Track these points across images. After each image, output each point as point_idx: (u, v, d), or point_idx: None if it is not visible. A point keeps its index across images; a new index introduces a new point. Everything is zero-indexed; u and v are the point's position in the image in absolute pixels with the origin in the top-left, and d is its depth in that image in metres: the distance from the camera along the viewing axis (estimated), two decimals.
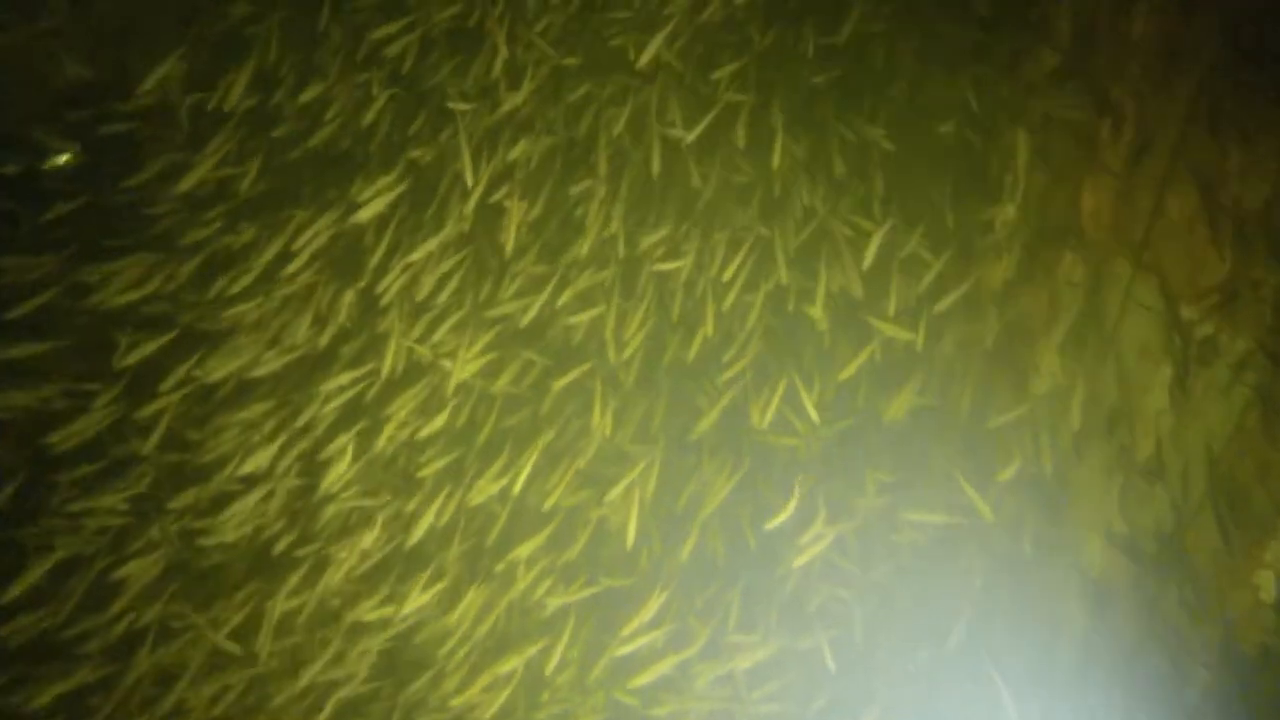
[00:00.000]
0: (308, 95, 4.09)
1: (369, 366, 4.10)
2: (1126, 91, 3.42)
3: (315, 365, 4.13)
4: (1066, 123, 3.63)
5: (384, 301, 4.04)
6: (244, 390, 4.17)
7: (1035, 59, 3.71)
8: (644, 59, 3.58)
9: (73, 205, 4.16)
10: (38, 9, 4.06)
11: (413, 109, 4.14)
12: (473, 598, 4.01)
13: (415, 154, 4.01)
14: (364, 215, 3.96)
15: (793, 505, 3.65)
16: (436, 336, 3.97)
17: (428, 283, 3.99)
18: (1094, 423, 3.63)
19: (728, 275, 3.68)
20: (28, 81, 4.13)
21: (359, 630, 4.16)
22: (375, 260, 4.06)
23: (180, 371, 4.09)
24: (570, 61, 3.87)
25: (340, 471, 3.97)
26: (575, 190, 3.88)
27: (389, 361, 3.97)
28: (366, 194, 3.98)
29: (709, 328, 3.69)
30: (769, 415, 3.66)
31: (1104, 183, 3.55)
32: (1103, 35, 3.46)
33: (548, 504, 3.88)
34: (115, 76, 4.27)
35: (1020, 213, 3.86)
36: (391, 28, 4.02)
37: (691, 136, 3.63)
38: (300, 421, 4.05)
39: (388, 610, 4.04)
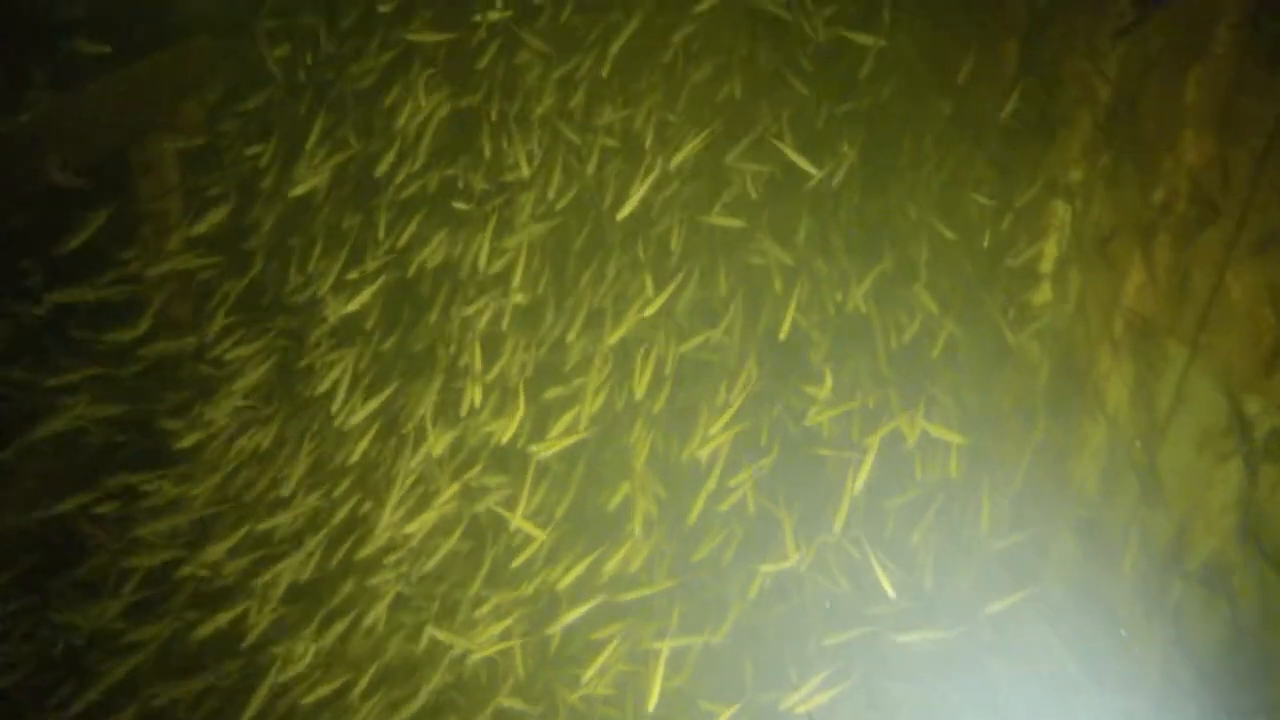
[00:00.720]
0: (300, 189, 3.90)
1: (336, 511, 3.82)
2: (1178, 163, 3.16)
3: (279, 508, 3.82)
4: (1109, 194, 3.38)
5: (360, 439, 3.75)
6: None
7: (1073, 126, 3.46)
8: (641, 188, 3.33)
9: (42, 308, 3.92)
10: (17, 100, 3.83)
11: (410, 209, 3.90)
12: None
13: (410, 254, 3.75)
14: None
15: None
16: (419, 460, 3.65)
17: (415, 405, 3.70)
18: (1145, 523, 3.36)
19: (751, 376, 3.38)
20: (4, 179, 3.90)
21: None
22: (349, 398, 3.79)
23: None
24: (592, 139, 3.61)
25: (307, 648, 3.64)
26: (583, 279, 3.59)
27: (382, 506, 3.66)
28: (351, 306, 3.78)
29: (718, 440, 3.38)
30: (796, 536, 3.36)
31: (1155, 258, 3.30)
32: (1151, 102, 3.21)
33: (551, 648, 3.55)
34: (102, 171, 4.05)
35: (1058, 292, 3.64)
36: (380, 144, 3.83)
37: (710, 217, 3.36)
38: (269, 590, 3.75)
39: None
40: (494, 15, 3.67)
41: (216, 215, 4.12)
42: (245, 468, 3.81)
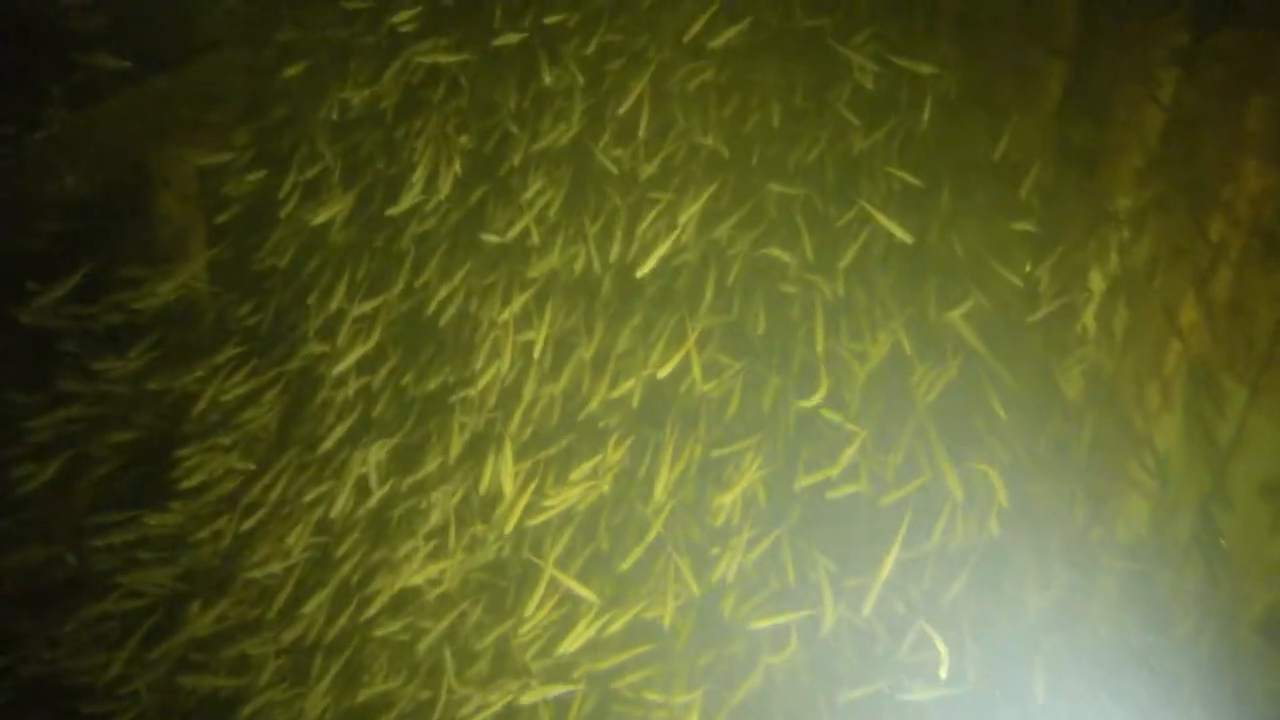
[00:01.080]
0: (321, 217, 3.78)
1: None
2: (1238, 193, 3.02)
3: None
4: (1162, 225, 3.24)
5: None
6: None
7: (1123, 153, 3.33)
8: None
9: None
10: (34, 117, 3.74)
11: (432, 241, 3.77)
12: None
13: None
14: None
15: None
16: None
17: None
18: (1200, 574, 3.22)
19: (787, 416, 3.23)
20: (18, 200, 3.80)
21: None
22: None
23: None
24: (623, 169, 3.49)
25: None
26: (611, 314, 3.45)
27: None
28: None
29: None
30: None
31: (1212, 293, 3.18)
32: (1209, 130, 3.07)
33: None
34: (120, 188, 4.03)
35: (1103, 326, 3.50)
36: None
37: (745, 247, 3.23)
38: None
39: None
40: (516, 38, 3.57)
41: (231, 240, 4.02)
42: (251, 508, 3.64)
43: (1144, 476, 3.42)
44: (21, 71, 3.75)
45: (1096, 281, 3.50)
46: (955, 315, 3.34)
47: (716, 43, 3.33)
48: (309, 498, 3.56)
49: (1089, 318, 3.53)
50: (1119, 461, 3.47)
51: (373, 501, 3.51)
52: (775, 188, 3.36)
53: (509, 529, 3.28)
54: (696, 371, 3.25)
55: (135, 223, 4.01)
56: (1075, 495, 3.56)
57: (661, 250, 3.27)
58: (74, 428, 3.73)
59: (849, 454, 3.23)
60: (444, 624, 3.40)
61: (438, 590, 3.42)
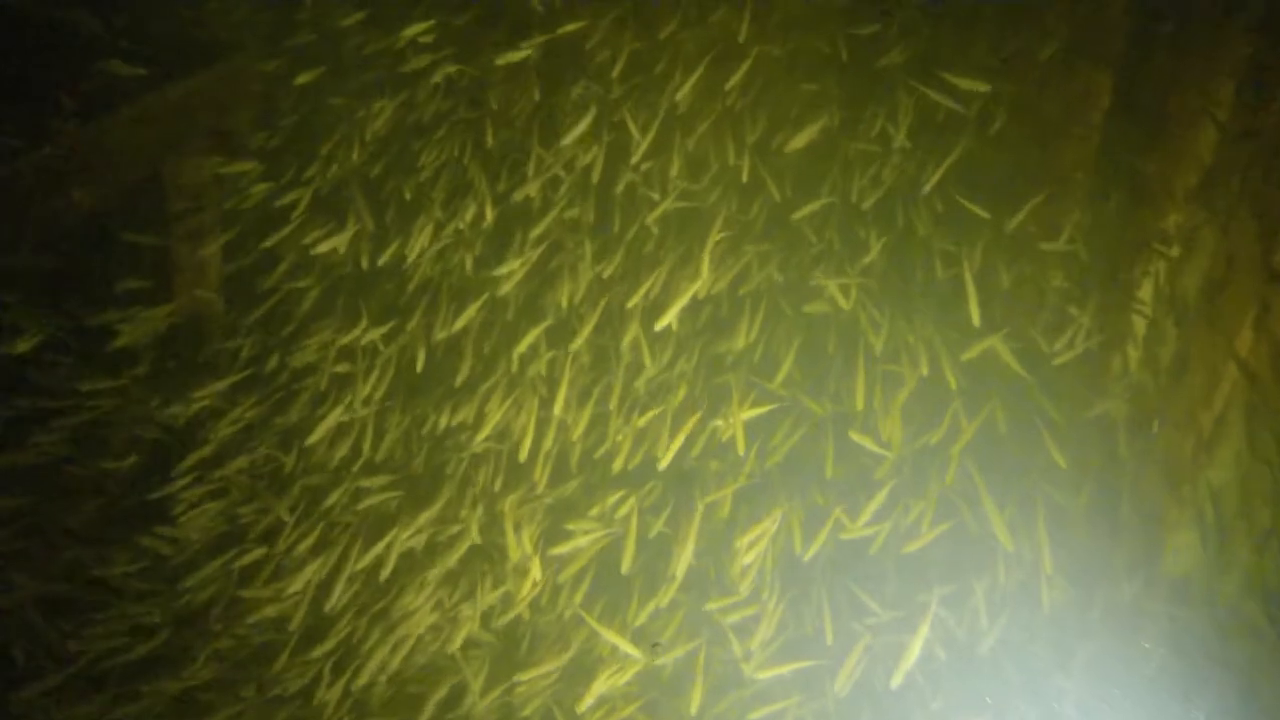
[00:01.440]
0: (332, 242, 3.69)
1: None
2: None
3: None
4: (1220, 247, 3.09)
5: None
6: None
7: (1176, 170, 3.18)
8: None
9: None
10: (44, 127, 3.63)
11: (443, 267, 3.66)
12: None
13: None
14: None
15: None
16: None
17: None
18: (1256, 628, 3.01)
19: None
20: (24, 214, 3.68)
21: None
22: None
23: None
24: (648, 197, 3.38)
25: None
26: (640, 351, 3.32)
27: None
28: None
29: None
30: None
31: (1272, 320, 2.97)
32: (1268, 147, 2.89)
33: None
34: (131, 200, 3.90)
35: (1150, 353, 3.35)
36: None
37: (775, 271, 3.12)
38: None
39: None
40: (532, 54, 3.47)
41: (239, 259, 3.93)
42: (251, 546, 3.50)
43: (1195, 512, 3.24)
44: (32, 80, 3.64)
45: (1146, 306, 3.35)
46: (996, 340, 3.19)
47: (746, 59, 3.22)
48: (312, 537, 3.41)
49: (1139, 343, 3.39)
50: (1169, 497, 3.30)
51: (381, 545, 3.35)
52: (809, 210, 3.23)
53: (532, 576, 3.14)
54: (735, 400, 3.10)
55: (143, 237, 3.88)
56: (1122, 535, 3.39)
57: (686, 297, 3.16)
58: (66, 452, 3.59)
59: (883, 493, 3.09)
60: (456, 671, 3.25)
61: (450, 637, 3.27)
